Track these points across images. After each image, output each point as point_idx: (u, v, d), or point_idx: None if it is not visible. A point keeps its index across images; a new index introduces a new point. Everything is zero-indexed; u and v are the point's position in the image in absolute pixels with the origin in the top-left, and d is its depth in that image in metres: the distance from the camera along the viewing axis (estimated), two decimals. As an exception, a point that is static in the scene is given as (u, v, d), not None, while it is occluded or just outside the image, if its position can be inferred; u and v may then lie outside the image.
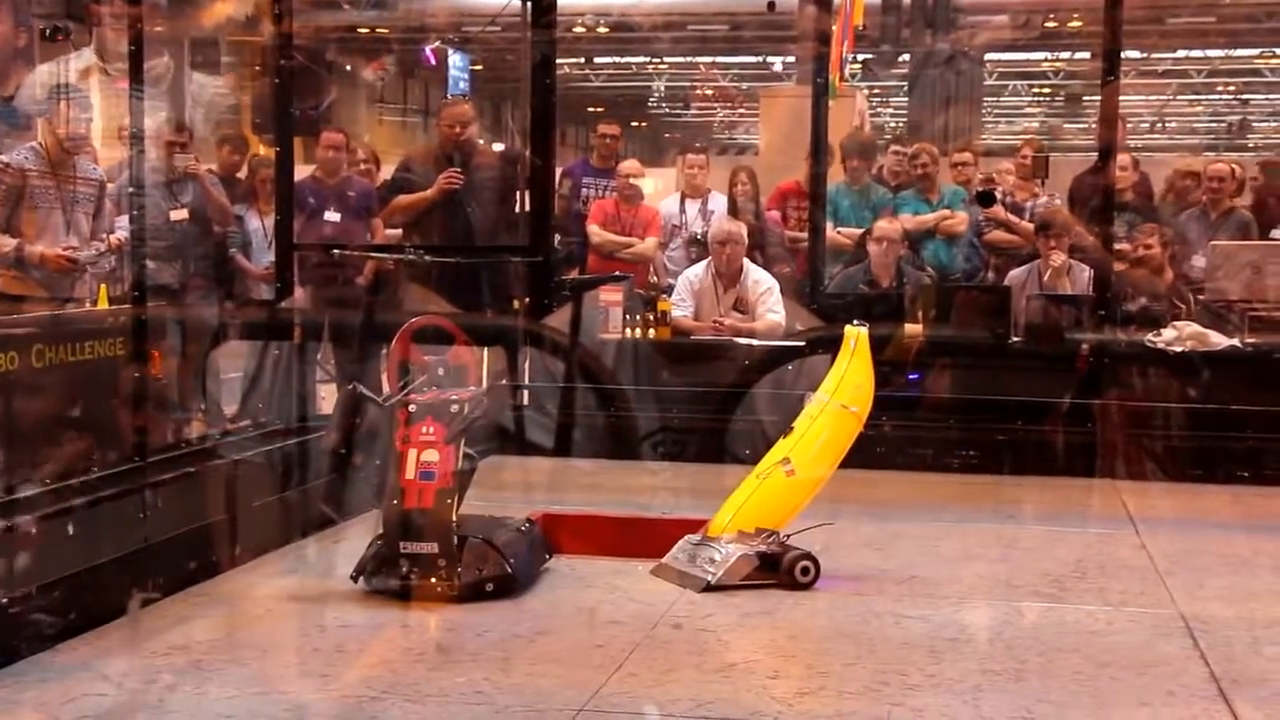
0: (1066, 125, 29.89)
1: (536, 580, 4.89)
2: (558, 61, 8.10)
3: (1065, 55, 24.41)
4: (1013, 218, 8.58)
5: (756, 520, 5.00)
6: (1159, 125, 30.25)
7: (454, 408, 4.76)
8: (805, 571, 4.83)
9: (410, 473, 4.67)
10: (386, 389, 5.02)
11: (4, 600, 3.98)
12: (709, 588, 4.75)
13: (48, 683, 3.84)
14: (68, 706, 3.67)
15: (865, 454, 7.08)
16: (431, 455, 4.69)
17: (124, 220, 6.72)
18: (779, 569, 4.83)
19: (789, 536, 4.97)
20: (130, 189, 5.40)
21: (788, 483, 5.07)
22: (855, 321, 5.29)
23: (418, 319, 5.07)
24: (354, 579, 4.73)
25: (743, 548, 4.87)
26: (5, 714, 3.61)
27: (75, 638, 4.18)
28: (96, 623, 4.28)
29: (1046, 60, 25.25)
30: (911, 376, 7.25)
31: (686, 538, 5.05)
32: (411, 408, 4.77)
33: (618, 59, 27.63)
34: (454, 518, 4.66)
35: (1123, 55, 7.66)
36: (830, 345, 7.27)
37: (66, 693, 3.76)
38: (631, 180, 8.77)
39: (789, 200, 8.97)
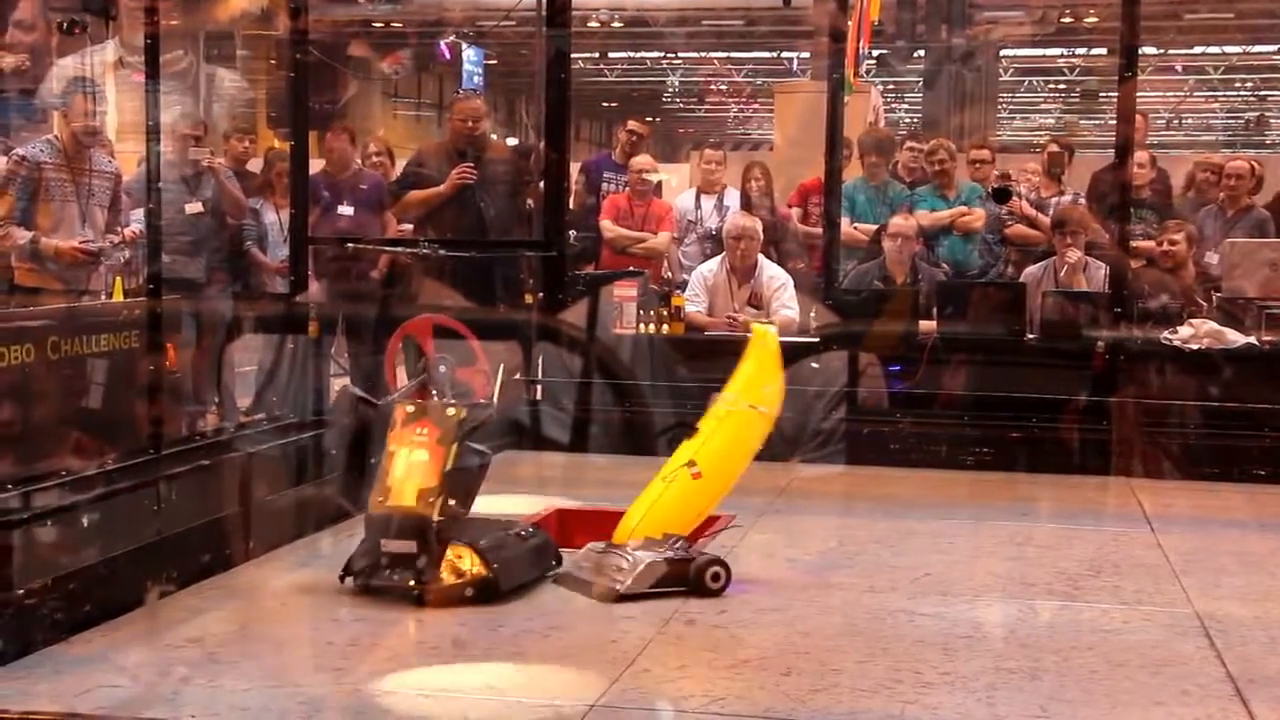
0: (1083, 122, 29.84)
1: (528, 588, 4.74)
2: (572, 56, 8.09)
3: (1082, 51, 24.33)
4: (1032, 211, 8.53)
5: (664, 525, 4.86)
6: (1176, 122, 30.15)
7: (449, 411, 4.69)
8: (716, 578, 4.68)
9: (399, 472, 4.62)
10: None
11: (19, 592, 3.99)
12: (620, 597, 4.59)
13: (62, 675, 3.86)
14: (82, 698, 3.68)
15: (878, 451, 7.13)
16: (420, 455, 4.62)
17: (139, 213, 6.74)
18: (689, 575, 4.69)
19: (689, 544, 4.86)
20: (159, 183, 5.39)
21: (695, 486, 4.97)
22: (764, 321, 5.26)
23: (416, 319, 5.06)
24: (341, 579, 4.69)
25: (650, 554, 4.71)
26: (20, 705, 3.63)
27: (89, 630, 4.19)
28: (110, 615, 4.30)
29: (1063, 56, 25.18)
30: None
31: (590, 546, 4.88)
32: (409, 408, 4.73)
33: (632, 54, 27.61)
34: (436, 517, 4.55)
35: (1140, 51, 7.63)
36: (844, 342, 7.33)
37: (81, 684, 3.77)
38: (644, 175, 8.76)
39: (810, 197, 8.96)
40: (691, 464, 4.99)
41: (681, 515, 4.95)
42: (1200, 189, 8.93)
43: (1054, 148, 8.97)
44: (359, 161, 8.50)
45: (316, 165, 8.17)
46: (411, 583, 4.54)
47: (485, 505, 4.96)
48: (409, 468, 4.62)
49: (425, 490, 4.58)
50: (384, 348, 7.62)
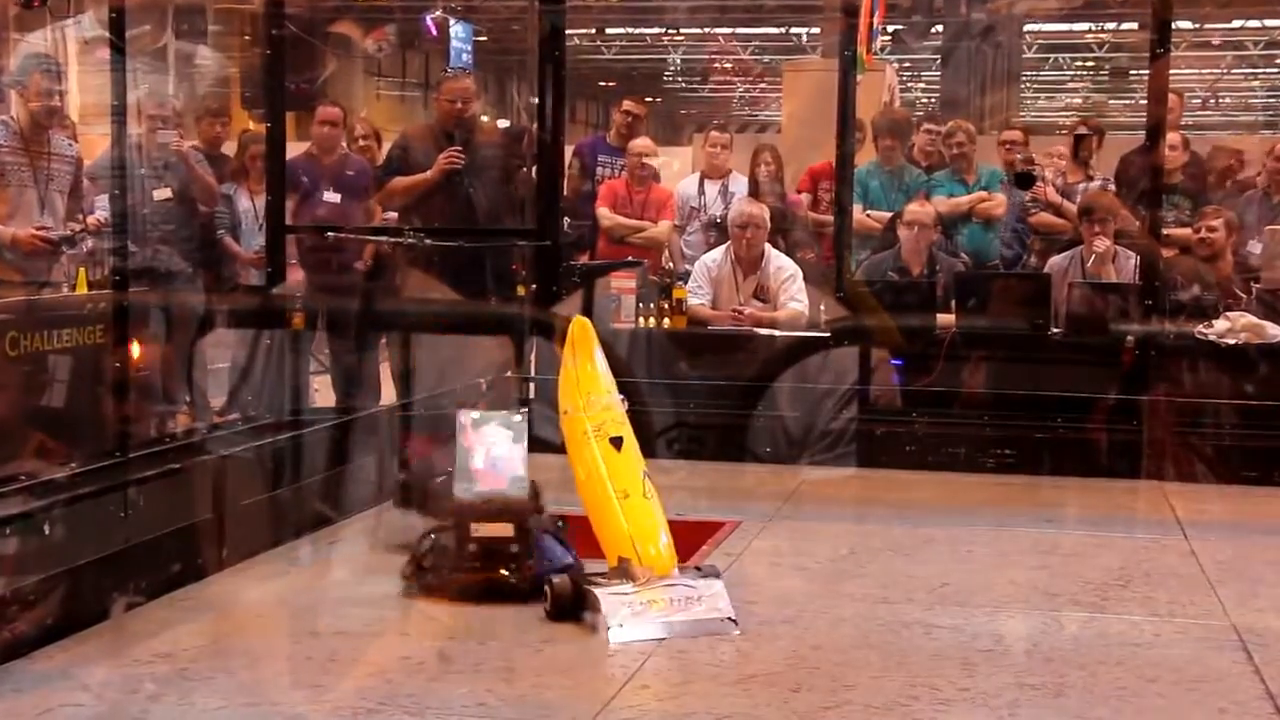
0: (1112, 102, 29.82)
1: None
2: (567, 32, 8.08)
3: (1111, 26, 24.32)
4: (1057, 198, 8.52)
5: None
6: (1212, 101, 30.12)
7: (516, 417, 4.89)
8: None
9: (479, 464, 4.78)
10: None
11: (-23, 604, 4.00)
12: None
13: (22, 693, 3.86)
14: (43, 717, 3.69)
15: (892, 452, 7.14)
16: (501, 451, 4.82)
17: (103, 200, 6.73)
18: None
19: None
20: (125, 168, 5.38)
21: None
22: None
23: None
24: (405, 577, 4.78)
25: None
26: (-22, 725, 3.64)
27: (52, 644, 4.19)
28: (75, 629, 4.30)
29: (1091, 31, 25.17)
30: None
31: (648, 581, 4.57)
32: (475, 415, 4.88)
33: (631, 30, 27.60)
34: (529, 504, 4.76)
35: (1174, 25, 7.62)
36: (856, 337, 7.33)
37: (43, 703, 3.77)
38: (644, 159, 8.76)
39: (820, 182, 8.95)
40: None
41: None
42: (1221, 174, 8.92)
43: (1081, 130, 8.96)
44: (344, 145, 8.50)
45: (296, 149, 8.17)
46: (503, 572, 4.63)
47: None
48: (491, 461, 4.78)
49: (517, 479, 4.76)
50: (367, 343, 7.67)
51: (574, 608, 4.53)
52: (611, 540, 4.73)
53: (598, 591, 4.50)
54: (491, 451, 4.80)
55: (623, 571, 4.61)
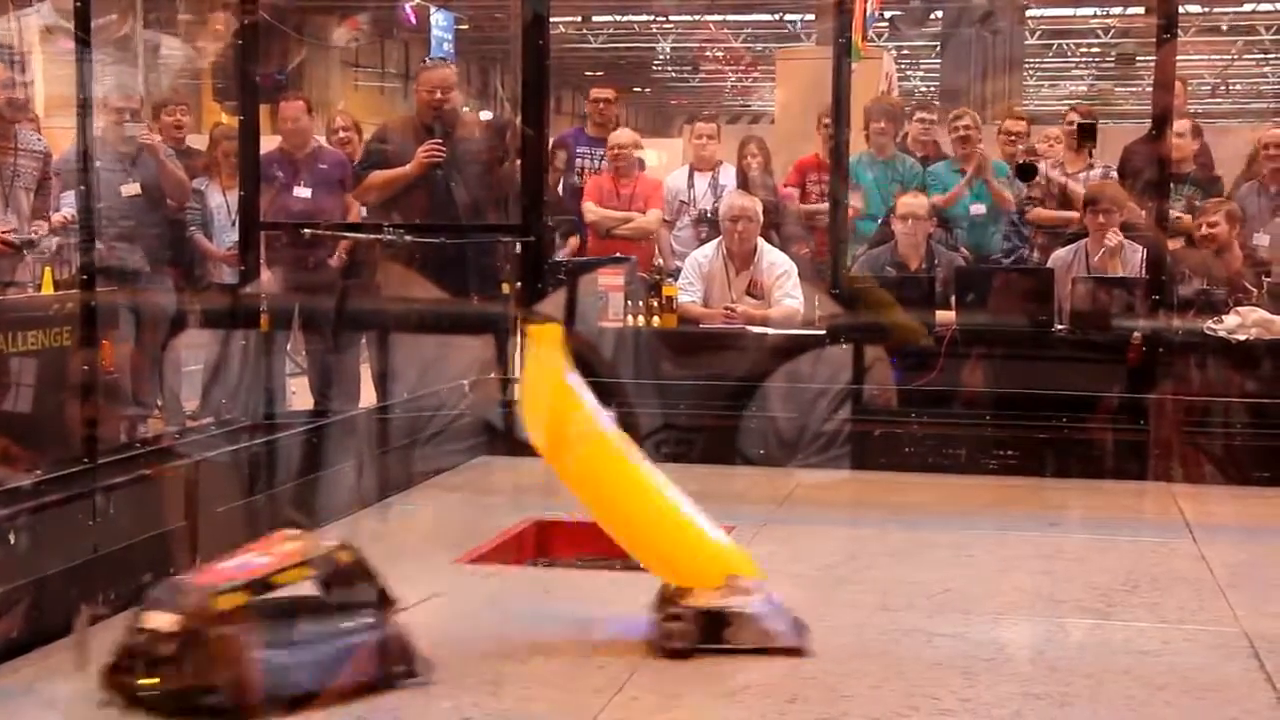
0: (1119, 89, 29.90)
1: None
2: (551, 20, 8.09)
3: (1117, 10, 24.37)
4: (1067, 185, 8.50)
5: None
6: (1222, 88, 30.21)
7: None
8: None
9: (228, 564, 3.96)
10: None
11: (-61, 617, 3.99)
12: None
13: (-13, 708, 3.86)
14: (9, 735, 3.69)
15: (891, 454, 7.15)
16: (261, 560, 3.99)
17: (70, 196, 6.73)
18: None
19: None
20: (93, 163, 5.36)
21: None
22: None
23: None
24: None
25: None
26: (-60, 743, 3.63)
27: (17, 659, 4.18)
28: (41, 642, 4.29)
29: (1096, 16, 25.23)
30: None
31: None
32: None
33: (618, 17, 27.61)
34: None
35: (1181, 10, 7.64)
36: (852, 335, 7.34)
37: None
38: (621, 151, 8.76)
39: (809, 176, 8.95)
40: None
41: None
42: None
43: (1074, 116, 8.95)
44: (319, 138, 8.50)
45: (271, 142, 8.17)
46: (143, 680, 3.76)
47: (458, 513, 4.95)
48: (239, 565, 3.99)
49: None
50: (345, 344, 7.65)
51: (709, 639, 4.32)
52: (702, 561, 4.52)
53: (748, 611, 4.33)
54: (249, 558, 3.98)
55: (736, 588, 4.43)
